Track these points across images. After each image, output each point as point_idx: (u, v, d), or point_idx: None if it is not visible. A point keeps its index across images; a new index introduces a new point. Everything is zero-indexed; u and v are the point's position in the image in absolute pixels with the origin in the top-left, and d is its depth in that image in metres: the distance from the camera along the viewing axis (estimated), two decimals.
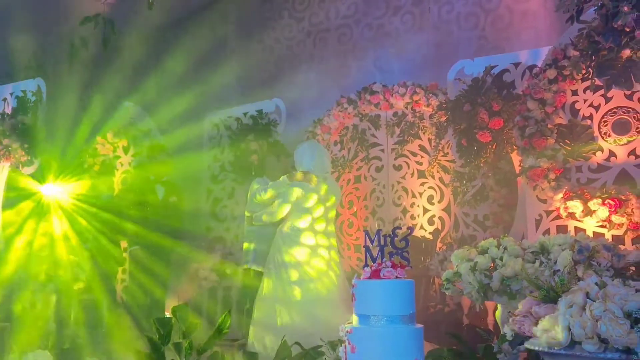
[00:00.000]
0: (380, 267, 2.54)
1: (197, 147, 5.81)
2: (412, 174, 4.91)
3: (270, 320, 3.94)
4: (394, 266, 2.54)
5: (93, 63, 5.37)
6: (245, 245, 4.51)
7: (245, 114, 5.67)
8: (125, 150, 5.86)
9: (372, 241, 2.72)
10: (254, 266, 4.34)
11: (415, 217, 4.83)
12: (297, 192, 4.14)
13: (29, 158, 5.29)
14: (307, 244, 4.12)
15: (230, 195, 5.70)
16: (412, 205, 4.86)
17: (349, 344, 2.41)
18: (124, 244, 5.32)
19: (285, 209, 4.15)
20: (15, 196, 5.24)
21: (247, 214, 4.51)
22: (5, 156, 5.25)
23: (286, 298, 3.97)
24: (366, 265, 2.60)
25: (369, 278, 2.53)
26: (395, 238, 2.68)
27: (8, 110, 5.47)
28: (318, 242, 4.16)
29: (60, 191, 5.30)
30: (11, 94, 5.58)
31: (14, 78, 5.69)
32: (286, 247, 4.08)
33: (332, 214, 4.33)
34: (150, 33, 5.67)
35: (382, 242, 2.67)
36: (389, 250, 2.65)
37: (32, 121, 5.30)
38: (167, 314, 4.46)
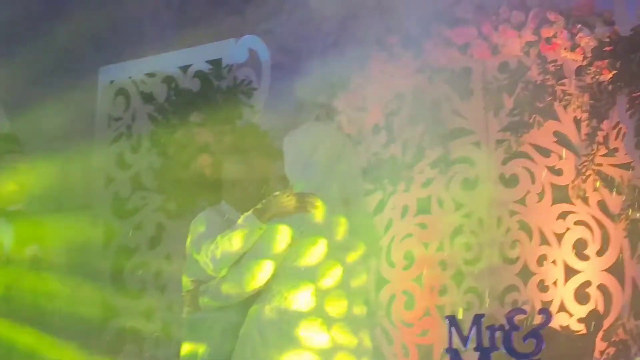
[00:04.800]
0: None
1: (82, 139, 5.86)
2: (541, 193, 4.76)
3: None
4: None
5: None
6: (187, 348, 4.47)
7: (185, 69, 5.71)
8: None
9: (464, 340, 3.04)
10: None
11: (547, 287, 4.68)
12: (283, 236, 4.16)
13: None
14: (312, 346, 4.11)
15: (155, 240, 5.70)
16: (541, 259, 4.71)
17: None
18: None
19: (263, 271, 4.15)
20: None
21: (186, 283, 4.53)
22: None
23: None
24: None
25: None
26: (515, 332, 3.08)
27: None
28: (335, 340, 4.13)
29: None
30: None
31: None
32: (269, 349, 4.11)
33: (362, 279, 4.31)
34: None
35: (485, 342, 3.11)
36: None
37: None
38: None
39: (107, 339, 5.68)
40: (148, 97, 5.75)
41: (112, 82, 5.96)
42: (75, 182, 5.77)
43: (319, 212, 4.16)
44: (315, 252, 4.13)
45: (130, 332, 5.58)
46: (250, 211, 4.18)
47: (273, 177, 4.71)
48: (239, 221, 4.25)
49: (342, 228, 4.21)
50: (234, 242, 4.19)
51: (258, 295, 4.16)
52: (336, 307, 4.13)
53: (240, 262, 4.18)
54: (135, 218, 5.78)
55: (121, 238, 5.81)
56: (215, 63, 5.58)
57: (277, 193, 4.22)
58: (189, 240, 4.52)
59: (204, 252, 4.27)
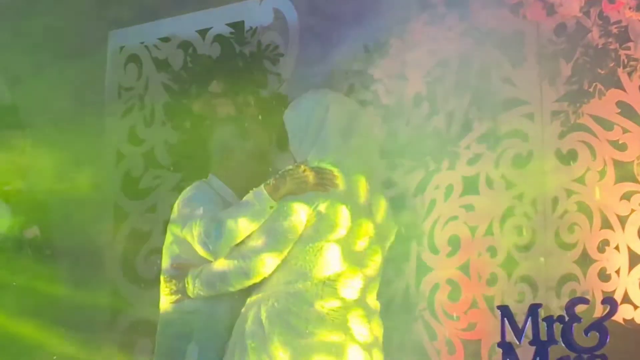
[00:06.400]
0: None
1: (89, 111, 5.90)
2: (602, 170, 4.73)
3: None
4: None
5: None
6: (170, 341, 4.45)
7: (203, 33, 5.74)
8: None
9: (518, 333, 3.14)
10: None
11: (609, 276, 4.64)
12: (298, 216, 4.15)
13: None
14: (323, 338, 4.11)
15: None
16: (602, 245, 4.66)
17: None
18: None
19: (274, 257, 4.16)
20: None
21: (168, 266, 4.49)
22: None
23: None
24: None
25: None
26: (575, 324, 3.16)
27: None
28: (350, 332, 4.14)
29: None
30: None
31: None
32: (274, 344, 4.10)
33: (377, 264, 4.32)
34: None
35: (542, 335, 3.19)
36: (560, 356, 3.18)
37: None
38: None
39: (118, 332, 5.70)
40: (162, 64, 5.78)
41: (122, 47, 5.99)
42: (82, 158, 5.67)
43: (358, 188, 4.19)
44: (340, 222, 4.12)
45: (144, 325, 5.53)
46: (260, 186, 4.19)
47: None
48: (248, 197, 4.26)
49: (378, 201, 4.29)
50: (242, 221, 4.18)
51: (259, 283, 4.18)
52: (350, 292, 4.16)
53: (247, 244, 4.18)
54: (149, 199, 5.80)
55: (133, 221, 5.84)
56: (237, 26, 5.60)
57: (291, 167, 4.22)
58: (174, 215, 4.53)
59: (197, 231, 4.24)
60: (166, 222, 5.46)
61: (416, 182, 5.09)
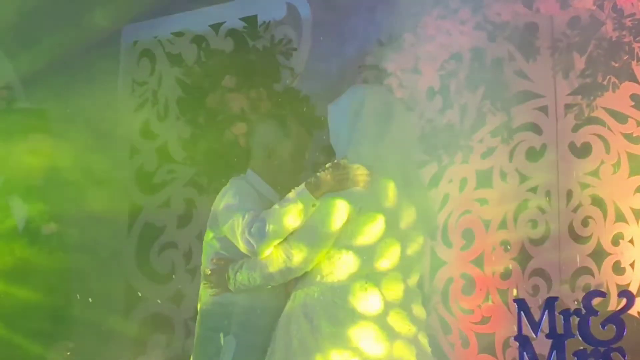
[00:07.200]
0: None
1: (103, 105, 5.84)
2: (616, 163, 4.72)
3: None
4: None
5: None
6: (200, 335, 4.37)
7: (216, 28, 5.74)
8: None
9: (535, 327, 3.17)
10: None
11: (624, 269, 4.63)
12: (340, 212, 4.10)
13: None
14: (368, 335, 4.02)
15: (185, 218, 5.68)
16: (616, 238, 4.66)
17: None
18: None
19: (316, 252, 4.13)
20: None
21: (206, 262, 4.46)
22: None
23: None
24: None
25: None
26: (592, 317, 3.23)
27: None
28: (393, 329, 4.05)
29: None
30: None
31: None
32: (320, 339, 4.04)
33: (417, 272, 4.27)
34: None
35: (558, 328, 3.22)
36: (577, 349, 3.26)
37: None
38: None
39: (132, 326, 5.70)
40: (176, 59, 5.77)
41: (135, 42, 6.00)
42: (96, 154, 5.65)
43: (383, 189, 4.12)
44: (373, 230, 4.08)
45: (158, 319, 5.62)
46: (302, 185, 4.19)
47: (314, 147, 4.70)
48: (290, 196, 4.24)
49: (404, 203, 4.17)
50: (287, 219, 4.17)
51: (303, 277, 4.16)
52: (391, 291, 4.10)
53: (290, 241, 4.16)
54: (163, 194, 5.79)
55: (147, 215, 5.84)
56: (250, 20, 5.59)
57: (329, 165, 4.19)
58: (214, 212, 4.50)
59: (239, 229, 4.21)
60: (180, 217, 5.85)
61: (430, 176, 5.06)
